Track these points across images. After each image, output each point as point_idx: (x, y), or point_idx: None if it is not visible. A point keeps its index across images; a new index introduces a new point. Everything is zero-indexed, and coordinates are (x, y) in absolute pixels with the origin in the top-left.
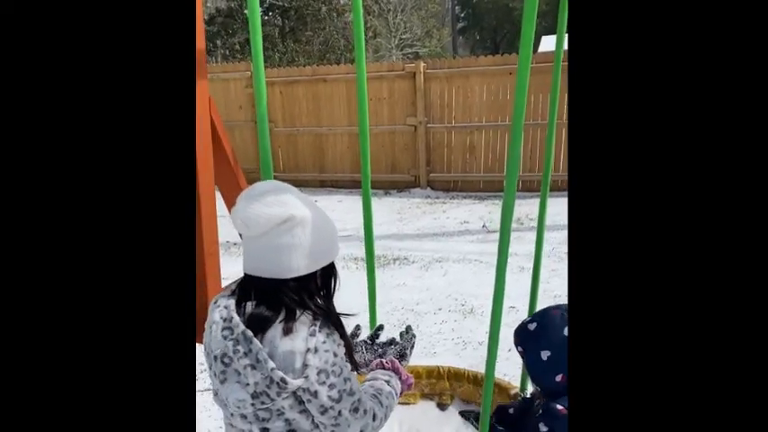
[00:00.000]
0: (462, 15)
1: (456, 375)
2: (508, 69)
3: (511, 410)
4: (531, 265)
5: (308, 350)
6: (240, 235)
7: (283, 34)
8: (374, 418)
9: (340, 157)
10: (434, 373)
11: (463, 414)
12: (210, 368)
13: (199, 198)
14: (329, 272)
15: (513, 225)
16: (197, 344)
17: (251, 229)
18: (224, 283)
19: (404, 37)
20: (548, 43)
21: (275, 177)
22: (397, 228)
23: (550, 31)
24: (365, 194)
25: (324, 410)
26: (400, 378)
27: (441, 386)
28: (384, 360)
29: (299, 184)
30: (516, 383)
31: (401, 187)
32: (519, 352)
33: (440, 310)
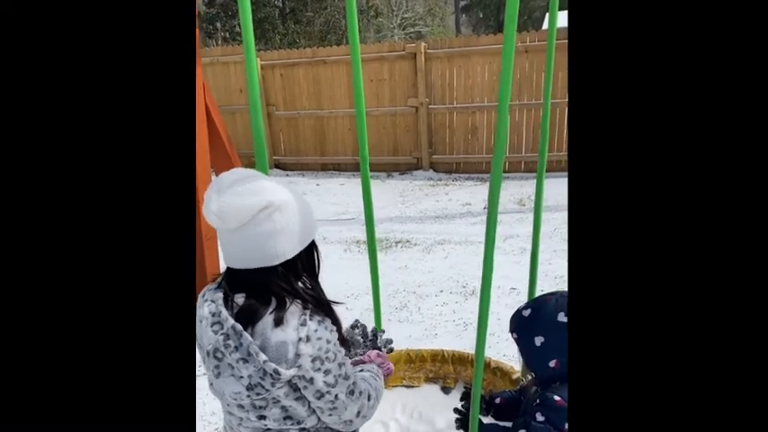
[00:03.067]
0: None
1: (460, 359)
2: None
3: (498, 400)
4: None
5: (300, 339)
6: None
7: (284, 15)
8: (369, 399)
9: (342, 140)
10: (439, 357)
11: (463, 397)
12: (204, 362)
13: (197, 184)
14: (311, 250)
15: (516, 206)
16: None
17: (228, 222)
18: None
19: (406, 16)
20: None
21: (277, 161)
22: (400, 210)
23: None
24: (365, 180)
25: (320, 395)
26: (377, 364)
27: (445, 370)
28: (361, 356)
29: (301, 167)
30: (517, 367)
31: (403, 170)
32: (514, 339)
33: (441, 291)
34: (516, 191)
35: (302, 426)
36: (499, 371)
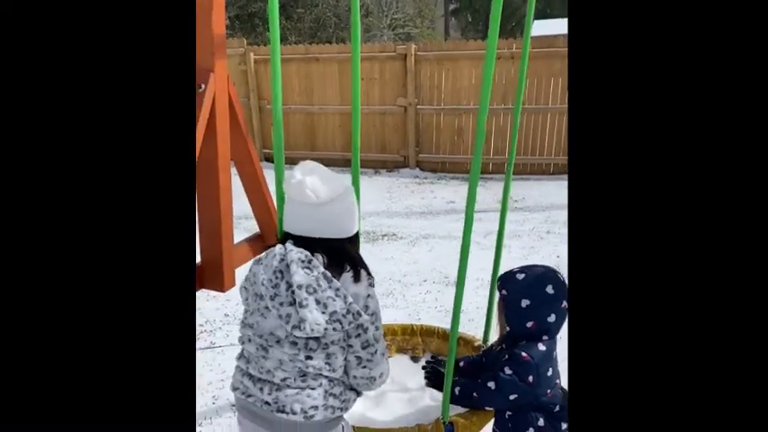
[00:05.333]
0: None
1: (427, 332)
2: (496, 54)
3: (462, 363)
4: (512, 243)
5: (369, 296)
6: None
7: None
8: (388, 366)
9: (331, 136)
10: (408, 330)
11: (424, 367)
12: (271, 299)
13: (217, 168)
14: (358, 234)
15: (499, 206)
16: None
17: (320, 197)
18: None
19: (395, 17)
20: (540, 28)
21: (267, 154)
22: (387, 206)
23: (542, 15)
24: (354, 171)
25: (367, 345)
26: None
27: (414, 341)
28: None
29: (291, 161)
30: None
31: (391, 167)
32: (501, 293)
33: (425, 281)
34: (498, 191)
35: (332, 376)
36: (462, 340)
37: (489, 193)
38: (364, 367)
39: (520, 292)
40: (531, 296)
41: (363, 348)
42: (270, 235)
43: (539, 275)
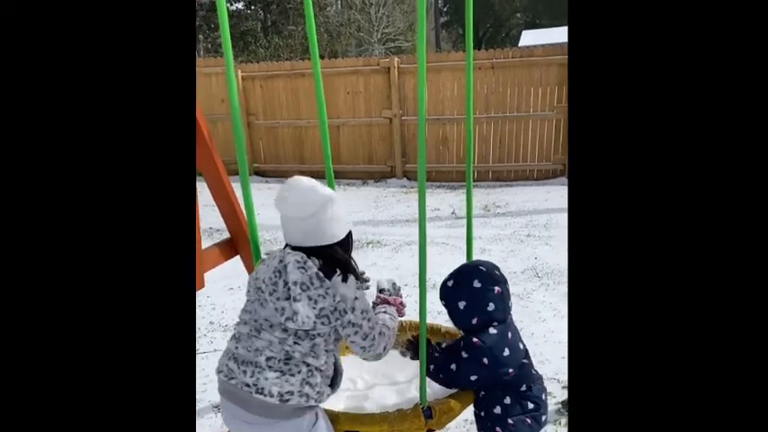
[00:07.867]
0: (445, 9)
1: (416, 327)
2: (477, 65)
3: (444, 345)
4: (493, 246)
5: (356, 298)
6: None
7: (265, 28)
8: (383, 335)
9: (319, 149)
10: (398, 327)
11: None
12: (270, 293)
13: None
14: (349, 236)
15: (481, 212)
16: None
17: (302, 211)
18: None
19: (386, 31)
20: (528, 38)
21: (257, 168)
22: (373, 215)
23: (531, 25)
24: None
25: (366, 337)
26: (395, 306)
27: (402, 338)
28: (386, 297)
29: (280, 174)
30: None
31: (378, 177)
32: (443, 305)
33: (406, 285)
34: (482, 198)
35: (314, 363)
36: (447, 334)
37: (473, 199)
38: (369, 351)
39: (455, 298)
40: (464, 297)
41: (364, 339)
42: (240, 239)
43: (464, 275)
